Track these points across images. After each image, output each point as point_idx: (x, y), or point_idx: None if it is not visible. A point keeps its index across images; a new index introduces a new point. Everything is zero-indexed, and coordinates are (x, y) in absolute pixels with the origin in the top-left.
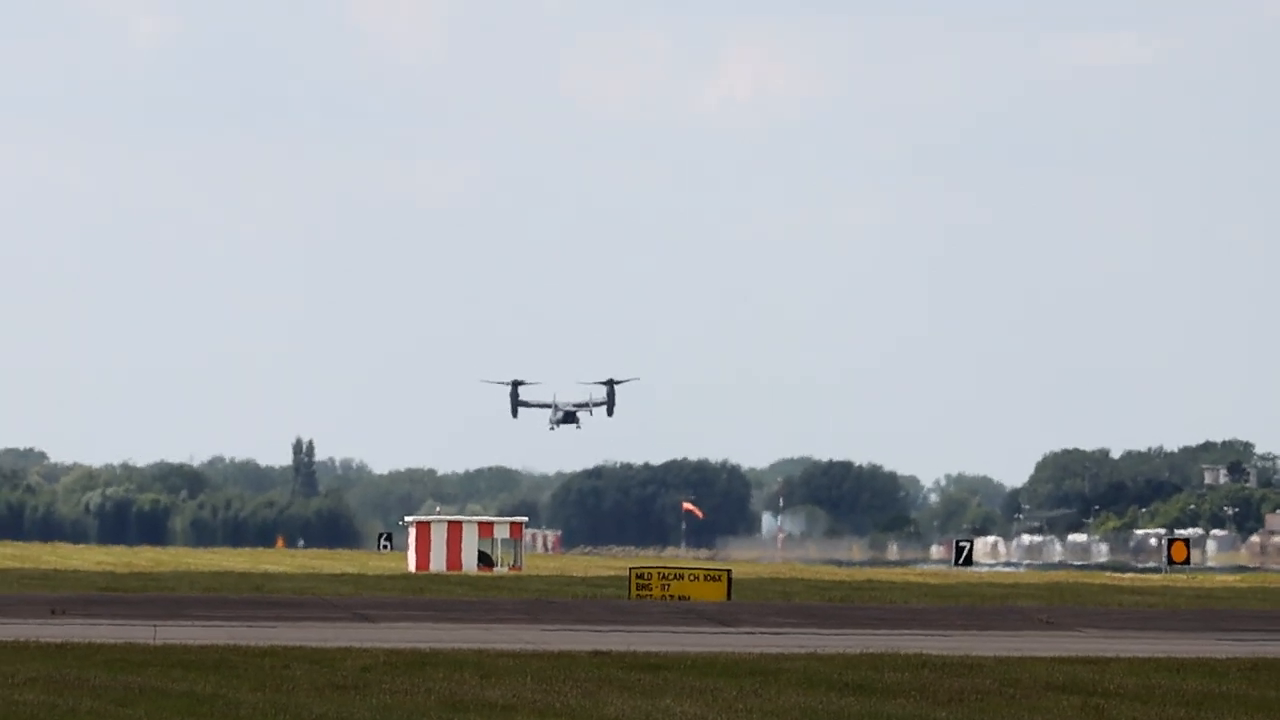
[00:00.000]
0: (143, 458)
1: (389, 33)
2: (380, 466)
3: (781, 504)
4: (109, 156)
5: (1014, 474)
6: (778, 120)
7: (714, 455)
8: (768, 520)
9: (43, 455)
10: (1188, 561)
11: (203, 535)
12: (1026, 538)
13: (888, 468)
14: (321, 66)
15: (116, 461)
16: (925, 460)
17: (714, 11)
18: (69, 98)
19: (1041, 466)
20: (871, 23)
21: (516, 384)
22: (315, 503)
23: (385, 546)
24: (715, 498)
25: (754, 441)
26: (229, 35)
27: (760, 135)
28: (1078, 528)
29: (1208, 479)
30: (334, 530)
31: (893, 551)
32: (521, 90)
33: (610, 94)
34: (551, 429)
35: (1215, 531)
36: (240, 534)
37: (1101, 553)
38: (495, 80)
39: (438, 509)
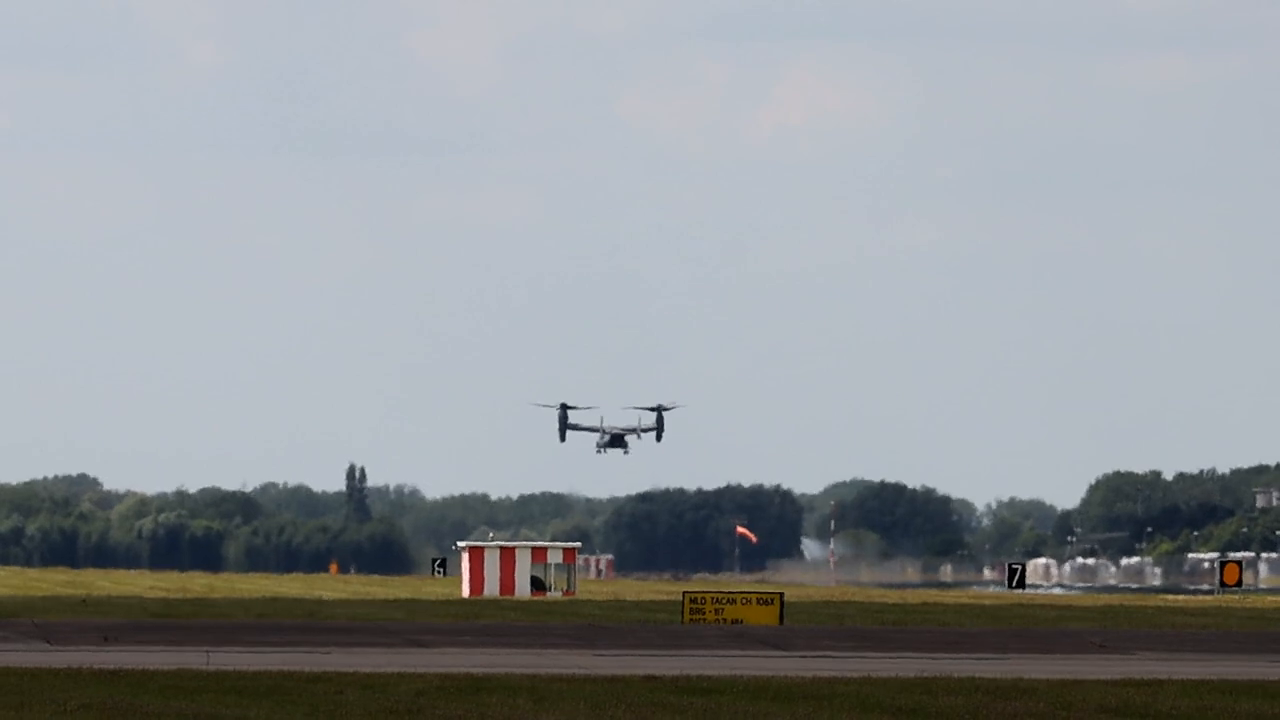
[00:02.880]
0: (196, 484)
1: (443, 58)
2: (433, 492)
3: (833, 527)
4: (162, 182)
5: (1066, 497)
6: (832, 145)
7: (766, 479)
8: (809, 546)
9: (96, 482)
10: (1240, 584)
11: (256, 561)
12: (1079, 560)
13: (940, 491)
14: (378, 92)
15: (170, 488)
16: (978, 483)
17: (770, 37)
18: (122, 121)
19: (1094, 489)
20: (926, 48)
21: (565, 407)
22: (368, 528)
23: (439, 572)
24: (768, 522)
25: (805, 466)
26: (281, 60)
27: (815, 160)
28: (1130, 551)
29: (1260, 502)
30: (387, 556)
31: (946, 574)
32: (577, 115)
33: (665, 119)
34: (599, 452)
35: (1267, 554)
36: (293, 560)
37: (1155, 575)
38: (550, 105)
39: (491, 535)
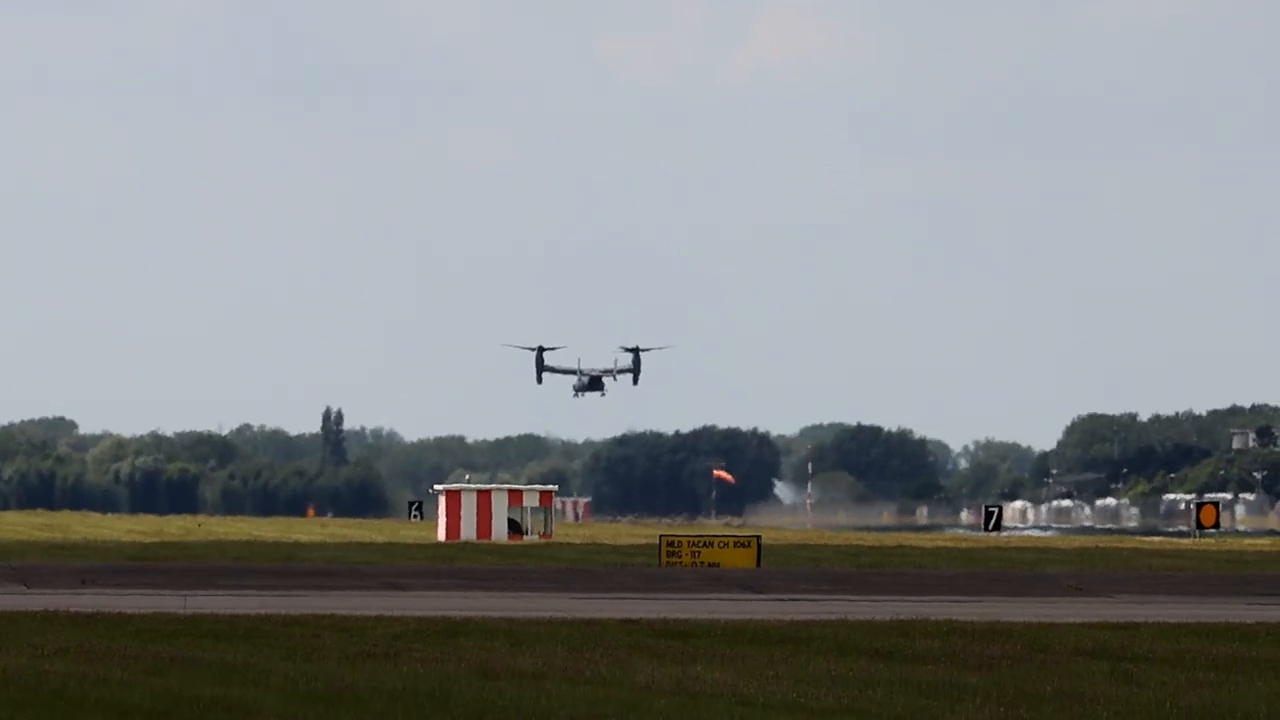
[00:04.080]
0: (172, 427)
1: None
2: (410, 435)
3: (810, 470)
4: (138, 125)
5: (1043, 439)
6: (808, 88)
7: (743, 422)
8: (783, 489)
9: (73, 425)
10: (1217, 526)
11: (232, 504)
12: (1055, 503)
13: (917, 433)
14: (353, 35)
15: (146, 431)
16: (954, 425)
17: None
18: (97, 63)
19: (1070, 431)
20: None
21: (541, 349)
22: (345, 472)
23: (416, 515)
24: (745, 465)
25: (782, 408)
26: (260, 4)
27: (793, 104)
28: (1107, 493)
29: (1236, 443)
30: (363, 499)
31: (922, 517)
32: (552, 57)
33: (641, 61)
34: (576, 395)
35: (1244, 495)
36: (270, 503)
37: (1131, 517)
38: (526, 47)
39: (467, 477)
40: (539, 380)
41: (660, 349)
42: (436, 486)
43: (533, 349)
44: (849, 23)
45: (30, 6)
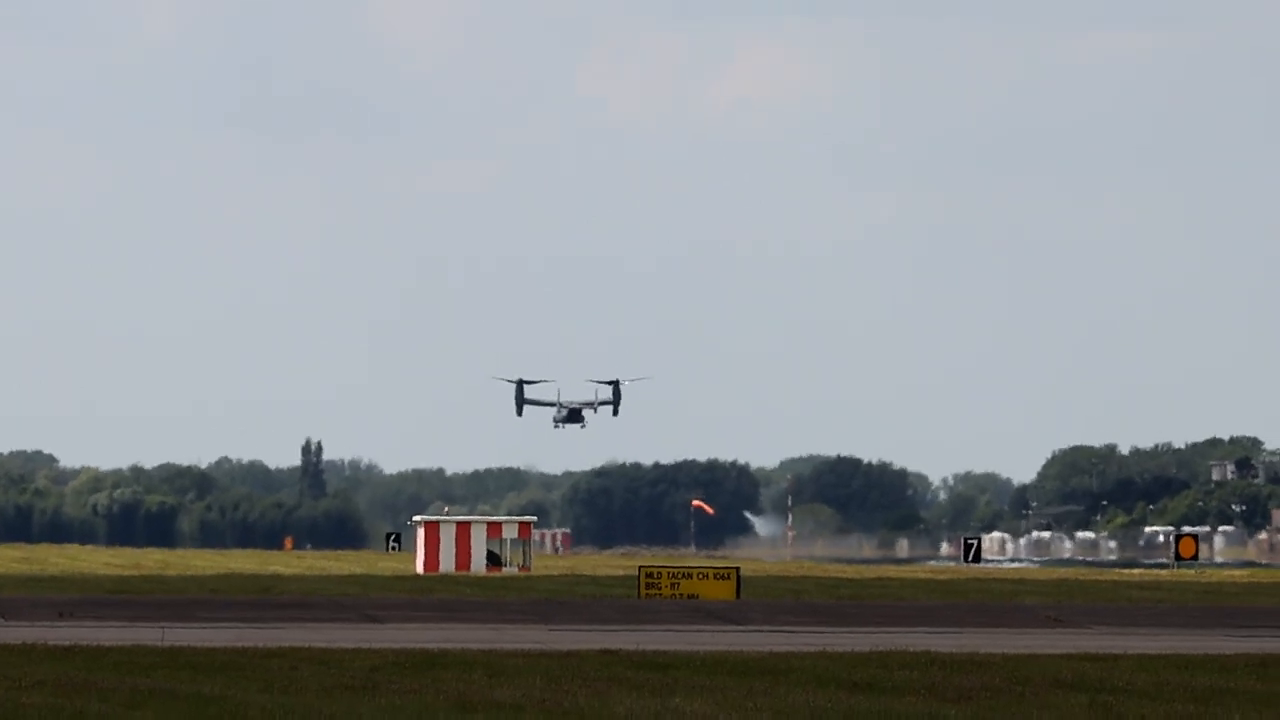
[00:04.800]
0: (151, 460)
1: (401, 31)
2: (389, 466)
3: (790, 502)
4: (117, 155)
5: (1022, 471)
6: (788, 118)
7: (723, 454)
8: (758, 522)
9: (51, 458)
10: (1196, 558)
11: (210, 537)
12: (1035, 534)
13: (896, 465)
14: (335, 66)
15: (124, 464)
16: (934, 457)
17: (728, 11)
18: (76, 93)
19: (1050, 463)
20: (885, 23)
21: (521, 382)
22: (323, 504)
23: (394, 547)
24: (724, 496)
25: (762, 440)
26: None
27: (772, 135)
28: (1086, 524)
29: (1215, 475)
30: (342, 531)
31: (902, 549)
32: (533, 89)
33: (620, 93)
34: (556, 427)
35: (1223, 528)
36: (248, 535)
37: (1110, 549)
38: (507, 79)
39: (446, 509)
40: (519, 413)
41: (639, 380)
42: (415, 518)
43: (513, 381)
44: (829, 54)
45: None
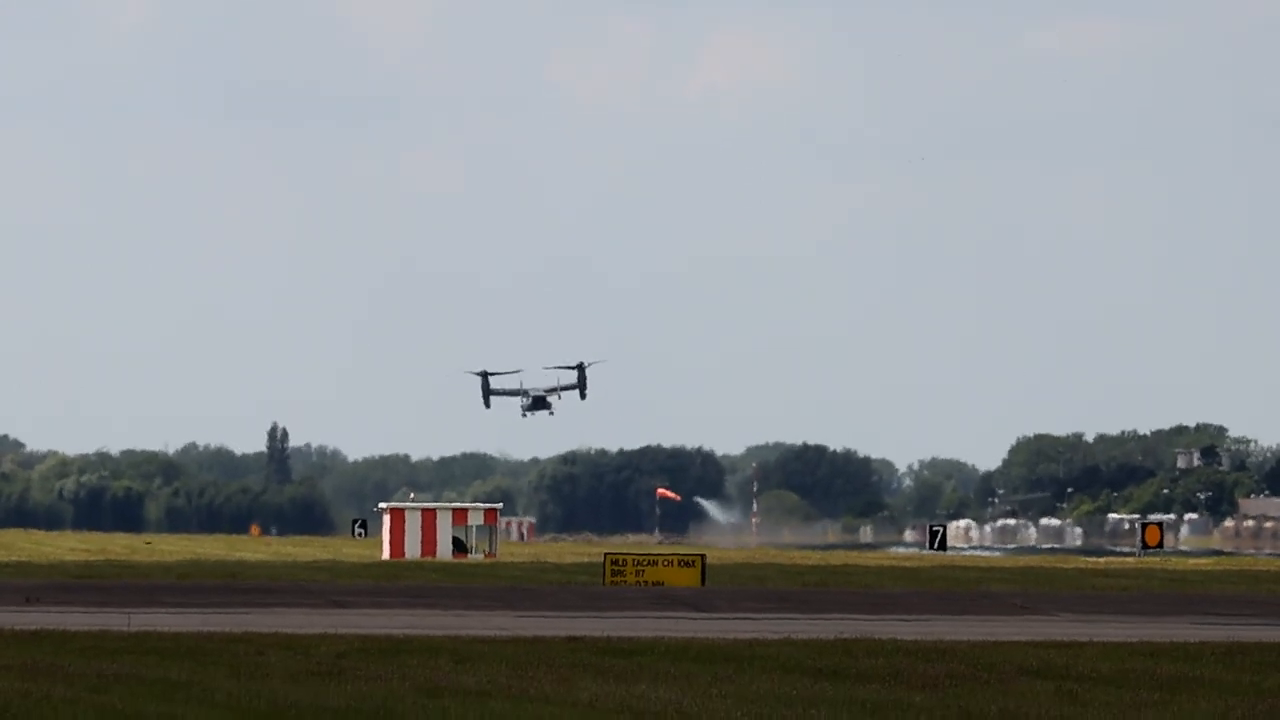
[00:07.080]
0: (117, 445)
1: (368, 20)
2: (355, 453)
3: (755, 489)
4: (84, 144)
5: (987, 458)
6: (759, 111)
7: (688, 441)
8: (724, 511)
9: (18, 443)
10: (1161, 545)
11: (177, 522)
12: (1000, 522)
13: (861, 452)
14: (303, 56)
15: (91, 449)
16: (899, 444)
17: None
18: (43, 82)
19: (1015, 450)
20: (854, 12)
21: (486, 375)
22: (289, 490)
23: (360, 534)
24: (689, 483)
25: (727, 427)
26: (211, 27)
27: (738, 122)
28: (1051, 512)
29: (1181, 463)
30: (308, 517)
31: (867, 535)
32: (501, 79)
33: (588, 83)
34: (524, 416)
35: (1189, 515)
36: (215, 521)
37: (1075, 537)
38: (475, 71)
39: (412, 496)
40: (486, 405)
41: (596, 363)
42: (381, 505)
43: (477, 374)
44: (800, 45)
45: None
